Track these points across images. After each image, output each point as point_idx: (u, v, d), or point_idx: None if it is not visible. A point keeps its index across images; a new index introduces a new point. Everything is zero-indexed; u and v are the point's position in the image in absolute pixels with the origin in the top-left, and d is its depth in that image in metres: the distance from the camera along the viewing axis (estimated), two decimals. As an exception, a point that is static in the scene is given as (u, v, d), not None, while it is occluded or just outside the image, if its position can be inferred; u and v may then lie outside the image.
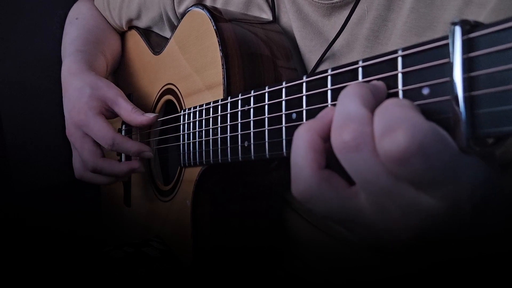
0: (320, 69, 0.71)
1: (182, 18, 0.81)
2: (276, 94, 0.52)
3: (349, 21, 0.66)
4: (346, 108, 0.37)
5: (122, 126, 0.95)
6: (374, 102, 0.37)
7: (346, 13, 0.67)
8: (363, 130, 0.35)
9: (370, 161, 0.35)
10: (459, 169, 0.33)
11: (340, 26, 0.67)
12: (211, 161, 0.68)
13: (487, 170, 0.35)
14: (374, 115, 0.35)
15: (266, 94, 0.54)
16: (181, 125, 0.77)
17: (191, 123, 0.74)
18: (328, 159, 0.38)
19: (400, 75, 0.37)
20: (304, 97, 0.47)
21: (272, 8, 0.77)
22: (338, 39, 0.68)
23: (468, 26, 0.32)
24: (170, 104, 0.88)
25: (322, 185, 0.37)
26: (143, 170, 0.85)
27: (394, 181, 0.35)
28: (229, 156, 0.63)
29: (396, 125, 0.33)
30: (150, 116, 0.81)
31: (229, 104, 0.63)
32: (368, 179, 0.36)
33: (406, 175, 0.33)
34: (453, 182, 0.33)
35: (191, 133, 0.74)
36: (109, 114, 0.85)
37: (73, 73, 0.89)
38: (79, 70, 0.89)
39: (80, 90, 0.85)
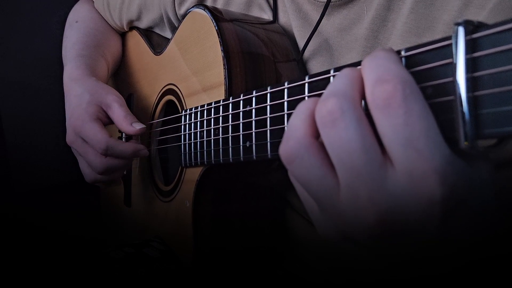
0: (319, 69, 0.71)
1: (183, 18, 0.81)
2: (278, 94, 0.52)
3: (349, 21, 0.66)
4: (333, 85, 0.38)
5: None
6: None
7: (345, 12, 0.67)
8: (341, 105, 0.36)
9: (344, 138, 0.35)
10: (435, 126, 0.34)
11: (339, 25, 0.67)
12: (213, 161, 0.68)
13: (485, 173, 0.35)
14: (364, 65, 0.37)
15: (268, 94, 0.54)
16: (182, 126, 0.77)
17: (193, 123, 0.74)
18: None
19: (403, 75, 0.37)
20: (306, 98, 0.47)
21: (274, 9, 0.77)
22: (337, 39, 0.68)
23: (472, 27, 0.32)
24: (171, 105, 0.88)
25: (310, 150, 0.38)
26: (147, 153, 0.85)
27: (364, 160, 0.35)
28: (230, 157, 0.63)
29: (390, 77, 0.34)
30: (137, 127, 0.82)
31: (231, 104, 0.63)
32: (342, 157, 0.36)
33: (387, 125, 0.34)
34: (425, 157, 0.33)
35: (193, 133, 0.74)
36: (107, 120, 0.85)
37: (74, 80, 0.89)
38: (79, 76, 0.90)
39: (80, 97, 0.85)
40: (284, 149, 0.39)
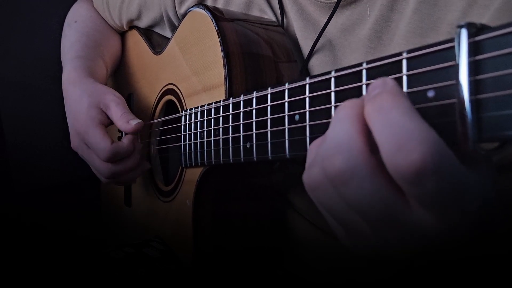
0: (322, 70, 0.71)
1: (183, 18, 0.81)
2: (279, 95, 0.52)
3: (352, 21, 0.66)
4: (334, 134, 0.35)
5: None
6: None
7: (349, 13, 0.66)
8: (349, 165, 0.33)
9: (360, 195, 0.34)
10: (466, 187, 0.32)
11: (342, 26, 0.67)
12: (213, 161, 0.68)
13: (488, 183, 0.35)
14: (372, 119, 0.34)
15: (269, 95, 0.54)
16: (182, 126, 0.77)
17: (193, 124, 0.74)
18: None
19: (405, 78, 0.37)
20: (307, 99, 0.47)
21: (281, 10, 0.76)
22: (340, 40, 0.68)
23: (474, 29, 0.32)
24: (171, 104, 0.87)
25: (368, 169, 0.34)
26: (149, 166, 0.88)
27: (385, 209, 0.34)
28: (231, 157, 0.63)
29: (408, 141, 0.31)
30: (133, 123, 0.81)
31: (231, 105, 0.62)
32: (363, 210, 0.35)
33: (416, 193, 0.32)
34: (460, 201, 0.33)
35: (193, 134, 0.74)
36: (107, 121, 0.85)
37: (72, 82, 0.89)
38: (77, 78, 0.89)
39: (79, 100, 0.85)
40: (335, 166, 0.35)
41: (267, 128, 0.54)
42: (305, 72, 0.73)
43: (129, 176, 0.86)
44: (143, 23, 1.00)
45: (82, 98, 0.85)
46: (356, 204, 0.35)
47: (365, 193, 0.34)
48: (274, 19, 0.78)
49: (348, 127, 0.35)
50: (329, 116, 0.45)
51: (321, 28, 0.69)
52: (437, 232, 0.34)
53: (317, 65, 0.71)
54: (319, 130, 0.46)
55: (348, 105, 0.36)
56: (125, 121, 0.82)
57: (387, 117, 0.32)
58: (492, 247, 0.41)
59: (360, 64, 0.41)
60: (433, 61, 0.35)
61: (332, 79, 0.44)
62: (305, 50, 0.73)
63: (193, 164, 0.74)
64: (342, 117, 0.35)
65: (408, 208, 0.34)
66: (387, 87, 0.34)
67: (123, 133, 0.91)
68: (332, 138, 0.35)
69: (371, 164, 0.34)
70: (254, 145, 0.57)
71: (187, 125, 0.76)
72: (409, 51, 0.37)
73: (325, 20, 0.69)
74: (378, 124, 0.33)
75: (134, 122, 0.81)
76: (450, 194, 0.32)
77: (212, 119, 0.68)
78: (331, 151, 0.34)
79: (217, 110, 0.66)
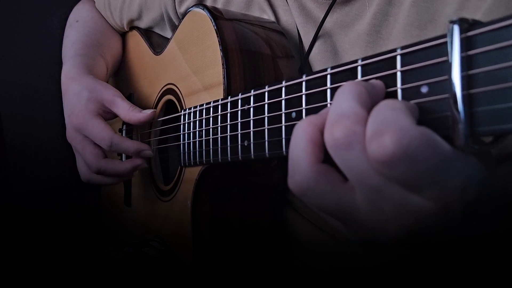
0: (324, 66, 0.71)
1: (183, 18, 0.81)
2: (275, 93, 0.52)
3: (351, 17, 0.67)
4: (340, 105, 0.37)
5: (122, 127, 0.95)
6: (370, 102, 0.37)
7: (348, 9, 0.67)
8: (355, 129, 0.35)
9: (361, 160, 0.35)
10: (449, 172, 0.33)
11: (342, 22, 0.68)
12: (211, 160, 0.68)
13: (483, 170, 0.35)
14: (369, 116, 0.35)
15: (266, 93, 0.54)
16: (182, 125, 0.78)
17: (192, 123, 0.74)
18: (327, 154, 0.38)
19: (399, 74, 0.37)
20: (303, 96, 0.47)
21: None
22: (340, 35, 0.68)
23: (466, 25, 0.32)
24: (170, 104, 0.88)
25: (319, 179, 0.37)
26: (146, 166, 0.85)
27: (384, 181, 0.35)
28: (229, 156, 0.63)
29: (385, 128, 0.33)
30: (148, 112, 0.82)
31: (229, 103, 0.63)
32: (359, 177, 0.36)
33: (394, 177, 0.34)
34: (442, 184, 0.33)
35: (191, 133, 0.74)
36: (108, 115, 0.85)
37: (72, 78, 0.90)
38: (77, 74, 0.90)
39: (78, 94, 0.85)
40: (294, 184, 0.39)
41: (264, 126, 0.54)
42: (305, 67, 0.73)
43: (115, 178, 0.87)
44: (143, 23, 1.01)
45: (82, 92, 0.85)
46: (355, 172, 0.36)
47: (361, 162, 0.35)
48: (274, 18, 0.78)
49: (350, 100, 0.36)
50: None
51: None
52: (429, 212, 0.35)
53: (318, 60, 0.71)
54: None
55: (351, 83, 0.38)
56: (137, 111, 0.82)
57: (378, 106, 0.35)
58: (492, 246, 0.41)
59: (355, 61, 0.41)
60: (427, 57, 0.35)
61: (328, 76, 0.44)
62: (307, 46, 0.73)
63: (192, 163, 0.74)
64: (346, 91, 0.37)
65: (396, 189, 0.35)
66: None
67: (124, 127, 0.91)
68: (333, 111, 0.37)
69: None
70: (252, 143, 0.57)
71: (186, 124, 0.76)
72: (403, 48, 0.37)
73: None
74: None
75: (148, 111, 0.82)
76: (429, 177, 0.33)
77: (211, 118, 0.68)
78: (335, 119, 0.36)
79: (215, 108, 0.67)
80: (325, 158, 0.38)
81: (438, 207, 0.34)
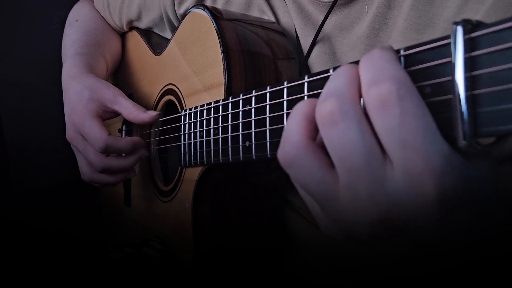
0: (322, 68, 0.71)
1: (182, 19, 0.81)
2: (277, 94, 0.52)
3: (350, 20, 0.67)
4: (332, 84, 0.38)
5: (122, 127, 0.95)
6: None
7: (347, 11, 0.67)
8: (340, 106, 0.36)
9: (345, 139, 0.35)
10: (431, 140, 0.33)
11: (341, 24, 0.68)
12: (212, 161, 0.68)
13: (477, 168, 0.35)
14: (360, 65, 0.37)
15: (268, 94, 0.54)
16: (182, 125, 0.78)
17: (192, 123, 0.74)
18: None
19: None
20: (305, 97, 0.47)
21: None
22: (339, 38, 0.68)
23: (470, 26, 0.32)
24: (170, 105, 0.88)
25: (307, 154, 0.38)
26: (147, 154, 0.87)
27: (365, 160, 0.35)
28: (230, 156, 0.63)
29: (383, 78, 0.34)
30: (153, 114, 0.82)
31: (230, 104, 0.63)
32: (342, 157, 0.36)
33: (384, 126, 0.34)
34: (422, 156, 0.33)
35: (192, 133, 0.74)
36: (108, 115, 0.85)
37: (73, 77, 0.89)
38: (78, 73, 0.90)
39: (79, 93, 0.85)
40: (282, 154, 0.40)
41: (266, 126, 0.54)
42: (305, 70, 0.73)
43: (119, 175, 0.87)
44: (143, 23, 1.01)
45: (83, 91, 0.85)
46: (337, 151, 0.36)
47: (350, 137, 0.35)
48: (273, 18, 0.78)
49: (343, 80, 0.37)
50: None
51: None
52: (402, 189, 0.35)
53: (317, 62, 0.72)
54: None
55: (348, 65, 0.39)
56: (142, 110, 0.82)
57: (371, 62, 0.36)
58: (493, 245, 0.41)
59: (358, 62, 0.41)
60: (430, 58, 0.35)
61: (330, 78, 0.44)
62: (306, 48, 0.73)
63: (193, 163, 0.74)
64: (340, 72, 0.38)
65: (385, 166, 0.35)
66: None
67: (124, 127, 0.91)
68: (326, 89, 0.38)
69: (360, 109, 0.36)
70: (253, 144, 0.57)
71: (187, 124, 0.76)
72: (405, 49, 0.37)
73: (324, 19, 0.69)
74: (363, 68, 0.37)
75: (153, 112, 0.83)
76: (412, 135, 0.33)
77: (212, 118, 0.68)
78: (324, 97, 0.37)
79: (216, 109, 0.67)
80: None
81: (411, 186, 0.34)
